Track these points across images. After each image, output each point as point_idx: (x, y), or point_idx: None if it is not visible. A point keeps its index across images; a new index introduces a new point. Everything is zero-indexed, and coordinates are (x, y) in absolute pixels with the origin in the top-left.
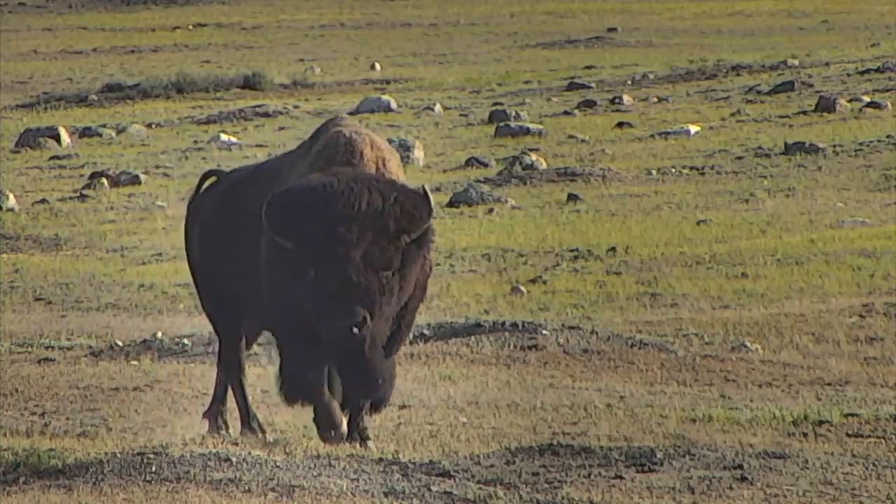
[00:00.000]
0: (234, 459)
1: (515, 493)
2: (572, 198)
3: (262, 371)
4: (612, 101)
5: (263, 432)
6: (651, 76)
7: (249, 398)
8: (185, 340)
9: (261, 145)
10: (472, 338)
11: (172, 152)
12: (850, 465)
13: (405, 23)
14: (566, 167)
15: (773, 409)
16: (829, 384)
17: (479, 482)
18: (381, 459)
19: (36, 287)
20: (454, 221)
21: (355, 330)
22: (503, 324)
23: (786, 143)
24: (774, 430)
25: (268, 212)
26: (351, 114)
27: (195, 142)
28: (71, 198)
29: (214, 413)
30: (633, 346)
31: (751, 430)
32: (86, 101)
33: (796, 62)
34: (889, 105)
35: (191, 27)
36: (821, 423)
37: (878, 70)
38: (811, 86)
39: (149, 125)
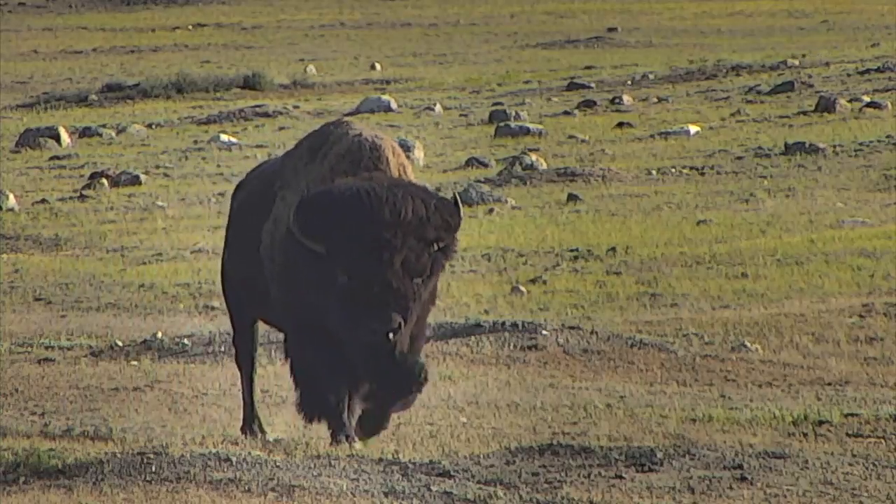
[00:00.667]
0: (234, 459)
1: (515, 493)
2: (572, 198)
3: (262, 371)
4: (612, 101)
5: (263, 433)
6: (651, 76)
7: (257, 398)
8: (186, 340)
9: (261, 145)
10: (472, 338)
11: (172, 152)
12: (851, 465)
13: (405, 23)
14: (566, 167)
15: (773, 409)
16: (829, 384)
17: (478, 482)
18: (381, 459)
19: (36, 287)
20: None
21: (391, 335)
22: (503, 324)
23: (786, 143)
24: (774, 430)
25: (298, 214)
26: (351, 114)
27: (195, 142)
28: (71, 198)
29: (249, 423)
30: (632, 346)
31: (751, 430)
32: (86, 101)
33: (796, 62)
34: (889, 105)
35: (190, 27)
36: (821, 423)
37: (878, 70)
38: (811, 86)
39: (149, 125)
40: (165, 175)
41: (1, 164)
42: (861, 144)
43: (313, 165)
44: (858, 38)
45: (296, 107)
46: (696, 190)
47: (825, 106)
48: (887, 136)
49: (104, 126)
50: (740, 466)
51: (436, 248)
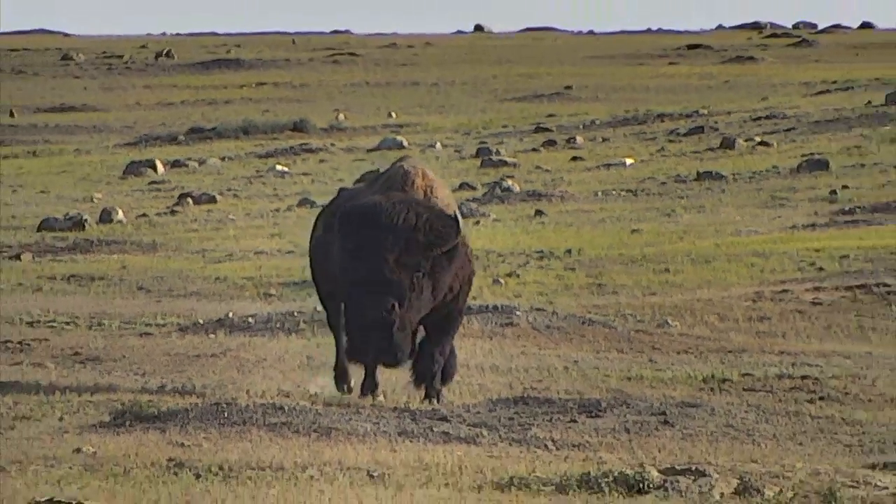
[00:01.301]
0: (286, 408)
1: (496, 433)
2: (539, 213)
3: (305, 341)
4: (569, 141)
5: (351, 390)
6: (598, 122)
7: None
8: (250, 319)
9: (306, 174)
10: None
11: (240, 179)
12: (746, 412)
13: (414, 82)
14: (534, 190)
15: (689, 371)
16: (731, 352)
17: (469, 425)
18: (395, 408)
19: (138, 279)
20: None
21: (384, 314)
22: (486, 307)
23: (698, 172)
24: (689, 386)
25: (339, 222)
26: (372, 150)
27: (257, 171)
28: (164, 213)
29: (340, 377)
30: (584, 323)
31: (672, 386)
32: (175, 140)
33: (705, 111)
34: (775, 144)
35: (254, 85)
36: (724, 380)
37: (766, 117)
38: (717, 129)
39: (222, 158)
40: (235, 196)
41: (112, 188)
42: (754, 173)
43: (370, 188)
44: (752, 94)
45: (332, 145)
46: (631, 207)
47: (727, 144)
48: (773, 167)
49: (189, 159)
50: (664, 413)
51: (437, 251)
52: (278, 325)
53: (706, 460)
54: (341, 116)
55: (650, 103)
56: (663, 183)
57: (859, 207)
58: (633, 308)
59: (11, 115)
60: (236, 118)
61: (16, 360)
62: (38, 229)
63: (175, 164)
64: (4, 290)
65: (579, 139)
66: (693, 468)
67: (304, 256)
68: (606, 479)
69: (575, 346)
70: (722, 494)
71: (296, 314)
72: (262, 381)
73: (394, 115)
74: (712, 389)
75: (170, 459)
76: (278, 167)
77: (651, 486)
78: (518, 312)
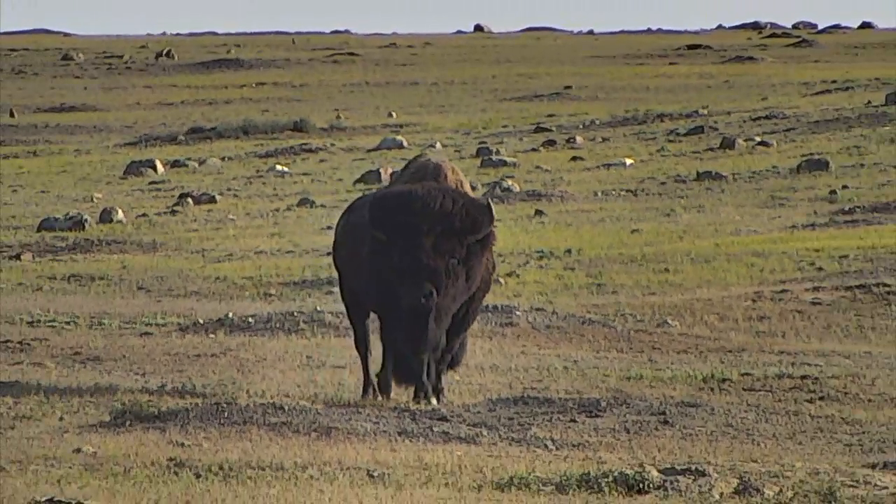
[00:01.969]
0: (286, 408)
1: (496, 432)
2: (538, 212)
3: (306, 342)
4: (568, 141)
5: (375, 395)
6: (597, 122)
7: (371, 370)
8: (250, 319)
9: (306, 174)
10: None
11: (240, 178)
12: (746, 411)
13: (414, 82)
14: (534, 190)
15: (688, 370)
16: (730, 351)
17: (468, 424)
18: (395, 407)
19: (138, 279)
20: None
21: (423, 300)
22: (486, 307)
23: (697, 172)
24: (689, 386)
25: (369, 211)
26: (372, 150)
27: (257, 171)
28: (164, 213)
29: (367, 387)
30: (583, 323)
31: (671, 385)
32: (175, 140)
33: (705, 111)
34: (775, 143)
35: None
36: (724, 380)
37: (766, 117)
38: (717, 129)
39: (222, 158)
40: (235, 196)
41: (112, 188)
42: (754, 173)
43: (397, 183)
44: (751, 94)
45: (332, 145)
46: (631, 207)
47: (727, 144)
48: (773, 167)
49: (189, 159)
50: (664, 413)
51: (469, 238)
52: (278, 325)
53: (706, 460)
54: (341, 116)
55: (650, 103)
56: (663, 183)
57: (859, 207)
58: (632, 308)
59: (11, 115)
60: (236, 118)
61: (16, 360)
62: (39, 229)
63: (175, 164)
64: (4, 290)
65: (579, 139)
66: (693, 468)
67: (303, 256)
68: (606, 479)
69: (574, 346)
70: (722, 494)
71: (296, 314)
72: (261, 382)
73: (394, 114)
74: (712, 389)
75: (170, 459)
76: (278, 167)
77: (651, 485)
78: (518, 312)
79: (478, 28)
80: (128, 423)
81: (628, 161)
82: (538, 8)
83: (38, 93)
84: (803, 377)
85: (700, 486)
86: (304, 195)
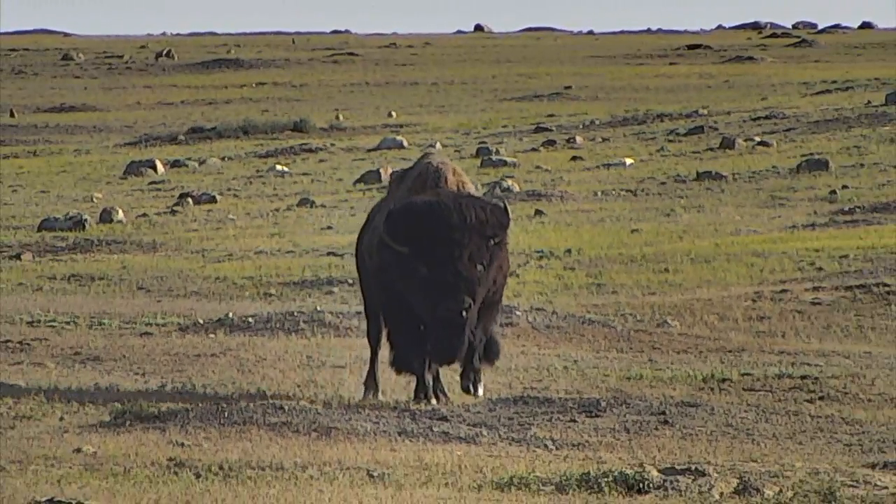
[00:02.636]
0: (286, 408)
1: (496, 432)
2: (538, 212)
3: (306, 342)
4: (568, 141)
5: (376, 394)
6: (597, 122)
7: (378, 370)
8: (250, 319)
9: (306, 174)
10: None
11: (240, 178)
12: (746, 411)
13: (413, 82)
14: (534, 190)
15: (688, 370)
16: (730, 351)
17: (469, 424)
18: (395, 407)
19: (138, 279)
20: None
21: (463, 313)
22: None
23: (697, 172)
24: (689, 386)
25: (387, 224)
26: (372, 150)
27: (257, 171)
28: (164, 212)
29: (369, 384)
30: (583, 323)
31: (671, 385)
32: (175, 140)
33: (705, 111)
34: (775, 143)
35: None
36: (724, 380)
37: (766, 117)
38: (716, 129)
39: (223, 158)
40: (235, 195)
41: (113, 188)
42: (754, 173)
43: (400, 187)
44: (751, 94)
45: (332, 144)
46: (631, 207)
47: (727, 144)
48: (773, 167)
49: (189, 159)
50: (664, 413)
51: (493, 242)
52: (278, 325)
53: (706, 460)
54: (341, 116)
55: (650, 103)
56: (663, 183)
57: (859, 207)
58: (632, 308)
59: (11, 115)
60: (236, 118)
61: (16, 360)
62: (39, 229)
63: (175, 164)
64: (4, 290)
65: (579, 139)
66: (692, 468)
67: (303, 256)
68: (606, 479)
69: (574, 346)
70: (721, 494)
71: (296, 314)
72: (261, 382)
73: (394, 114)
74: (712, 389)
75: (170, 459)
76: (278, 167)
77: (651, 485)
78: (518, 312)
79: (478, 28)
80: (128, 423)
81: (628, 161)
82: (538, 8)
83: (38, 93)
84: (803, 377)
85: (700, 486)
86: (304, 195)
